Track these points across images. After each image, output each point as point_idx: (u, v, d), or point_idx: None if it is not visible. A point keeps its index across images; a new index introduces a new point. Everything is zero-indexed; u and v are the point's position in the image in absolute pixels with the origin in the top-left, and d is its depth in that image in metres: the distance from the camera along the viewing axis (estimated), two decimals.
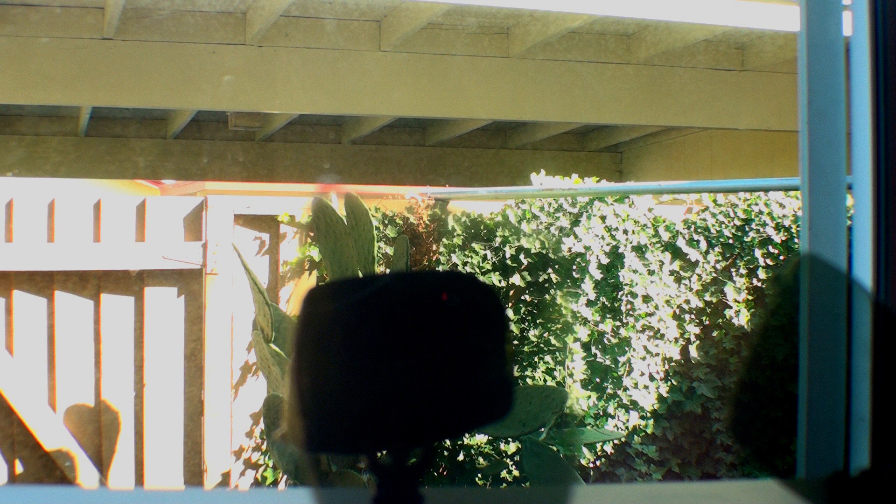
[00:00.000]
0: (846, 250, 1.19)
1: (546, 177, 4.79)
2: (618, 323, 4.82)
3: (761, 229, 4.87)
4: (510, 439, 4.40)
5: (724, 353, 4.89)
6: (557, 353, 4.71)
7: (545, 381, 4.68)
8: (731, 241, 4.89)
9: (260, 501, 1.17)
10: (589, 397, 4.75)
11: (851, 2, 1.18)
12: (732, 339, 4.87)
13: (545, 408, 3.33)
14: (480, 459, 4.55)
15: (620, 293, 4.82)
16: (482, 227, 4.76)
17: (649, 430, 4.87)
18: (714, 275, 4.90)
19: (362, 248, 3.46)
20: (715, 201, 4.96)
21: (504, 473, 4.62)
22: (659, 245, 4.89)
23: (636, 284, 4.81)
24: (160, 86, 5.79)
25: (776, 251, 4.85)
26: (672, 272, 4.90)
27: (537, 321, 4.73)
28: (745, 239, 4.88)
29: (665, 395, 4.88)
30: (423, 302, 0.63)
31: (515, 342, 4.68)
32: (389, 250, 4.64)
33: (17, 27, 5.30)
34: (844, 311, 1.16)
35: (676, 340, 4.90)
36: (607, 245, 4.81)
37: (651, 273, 4.85)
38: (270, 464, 4.67)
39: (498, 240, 4.73)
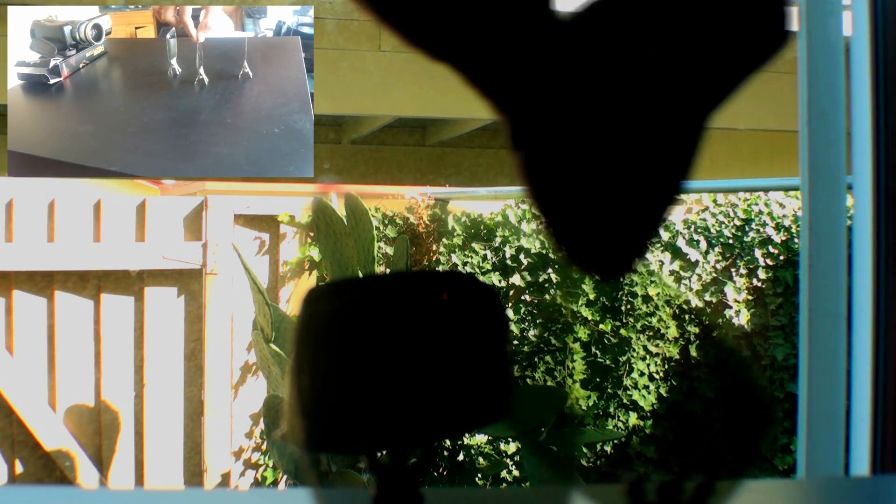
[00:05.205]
0: (846, 250, 1.19)
1: None
2: (618, 323, 4.82)
3: (761, 229, 4.87)
4: (510, 439, 4.40)
5: (724, 354, 4.89)
6: (557, 353, 4.71)
7: (545, 381, 4.68)
8: (731, 241, 4.89)
9: (260, 501, 1.17)
10: (589, 397, 4.76)
11: (851, 2, 1.18)
12: (732, 340, 4.87)
13: (545, 408, 3.33)
14: (480, 459, 4.55)
15: (620, 293, 4.82)
16: (482, 227, 4.76)
17: (649, 431, 4.87)
18: (714, 275, 4.90)
19: (362, 248, 3.47)
20: (715, 201, 4.96)
21: (504, 473, 4.62)
22: (659, 245, 4.89)
23: (636, 284, 4.81)
24: None
25: (776, 251, 4.85)
26: (672, 272, 4.90)
27: (537, 321, 4.73)
28: (745, 239, 4.88)
29: (665, 395, 4.88)
30: (423, 302, 0.63)
31: (515, 342, 4.68)
32: (389, 250, 4.64)
33: None
34: (844, 311, 1.16)
35: (676, 340, 4.90)
36: None
37: (651, 273, 4.85)
38: (270, 464, 4.67)
39: (498, 240, 4.73)
